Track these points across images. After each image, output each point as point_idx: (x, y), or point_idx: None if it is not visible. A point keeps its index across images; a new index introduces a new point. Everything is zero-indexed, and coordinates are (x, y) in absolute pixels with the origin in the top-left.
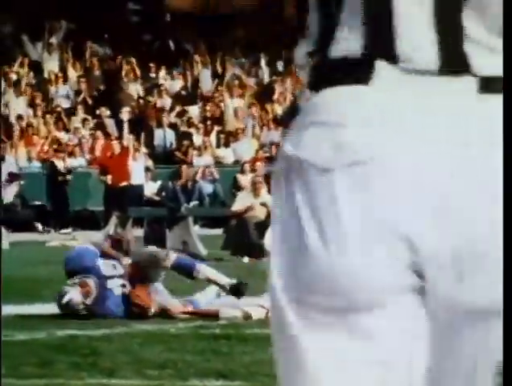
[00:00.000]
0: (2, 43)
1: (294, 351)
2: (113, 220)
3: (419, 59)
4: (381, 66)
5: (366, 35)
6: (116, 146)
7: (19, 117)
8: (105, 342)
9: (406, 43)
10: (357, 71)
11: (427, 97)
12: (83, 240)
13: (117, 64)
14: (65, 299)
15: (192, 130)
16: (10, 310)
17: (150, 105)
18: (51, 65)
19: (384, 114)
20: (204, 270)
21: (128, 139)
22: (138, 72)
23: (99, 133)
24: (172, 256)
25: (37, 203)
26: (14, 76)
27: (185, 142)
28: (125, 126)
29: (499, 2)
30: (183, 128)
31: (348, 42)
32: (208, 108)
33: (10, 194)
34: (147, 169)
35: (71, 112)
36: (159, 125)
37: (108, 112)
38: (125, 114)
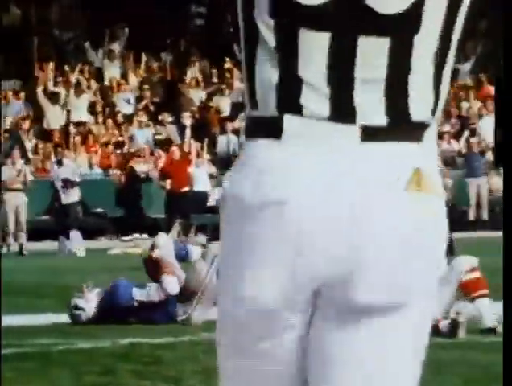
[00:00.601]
0: (64, 50)
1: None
2: (176, 228)
3: (316, 112)
4: (289, 120)
5: (279, 95)
6: (176, 152)
7: (80, 124)
8: (169, 350)
9: (308, 98)
10: (270, 128)
11: (319, 144)
12: (145, 248)
13: (179, 69)
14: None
15: None
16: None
17: (213, 111)
18: (113, 71)
19: (289, 163)
20: (195, 251)
21: (190, 145)
22: (201, 77)
23: (161, 140)
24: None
25: (98, 210)
26: (74, 82)
27: None
28: (187, 132)
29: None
30: None
31: (266, 100)
32: None
33: (66, 200)
34: (211, 175)
35: (132, 118)
36: (222, 130)
37: (170, 118)
38: (187, 119)
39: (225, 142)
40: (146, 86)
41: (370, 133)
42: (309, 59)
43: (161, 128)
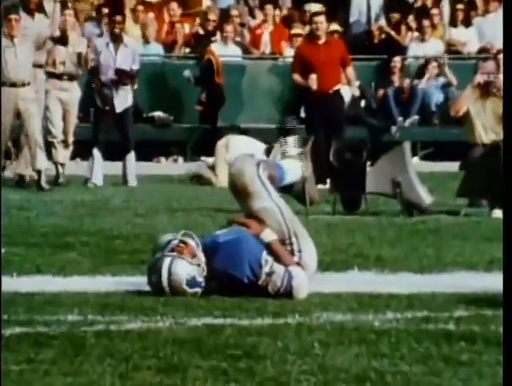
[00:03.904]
0: None
1: None
2: (280, 145)
3: None
4: None
5: None
6: (322, 26)
7: None
8: (266, 337)
9: None
10: None
11: None
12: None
13: None
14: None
15: None
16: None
17: None
18: None
19: None
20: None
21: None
22: None
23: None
24: None
25: (157, 114)
26: None
27: (398, 16)
28: None
29: None
30: None
31: None
32: None
33: (121, 105)
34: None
35: None
36: None
37: None
38: None
39: (365, 4)
40: None
41: None
42: None
43: None
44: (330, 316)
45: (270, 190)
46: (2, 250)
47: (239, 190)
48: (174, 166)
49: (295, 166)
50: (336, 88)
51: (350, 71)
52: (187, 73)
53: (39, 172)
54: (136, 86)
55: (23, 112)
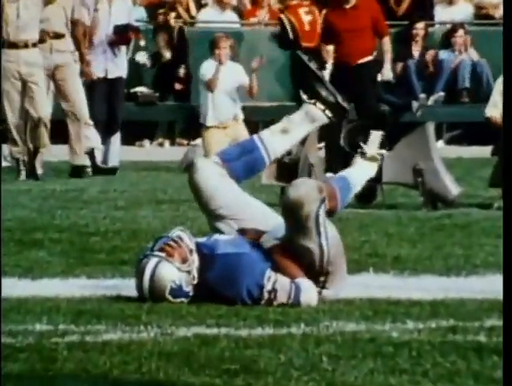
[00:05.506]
0: None
1: None
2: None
3: None
4: None
5: None
6: None
7: None
8: (267, 349)
9: None
10: None
11: None
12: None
13: None
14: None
15: None
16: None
17: None
18: None
19: None
20: None
21: None
22: None
23: None
24: None
25: (140, 89)
26: None
27: None
28: None
29: None
30: None
31: None
32: None
33: (114, 71)
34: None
35: None
36: None
37: None
38: None
39: None
40: None
41: None
42: None
43: None
44: (341, 325)
45: (321, 232)
46: None
47: (289, 219)
48: (159, 151)
49: (368, 170)
50: (362, 60)
51: (386, 43)
52: (141, 58)
53: (35, 153)
54: (143, 42)
55: (27, 81)
